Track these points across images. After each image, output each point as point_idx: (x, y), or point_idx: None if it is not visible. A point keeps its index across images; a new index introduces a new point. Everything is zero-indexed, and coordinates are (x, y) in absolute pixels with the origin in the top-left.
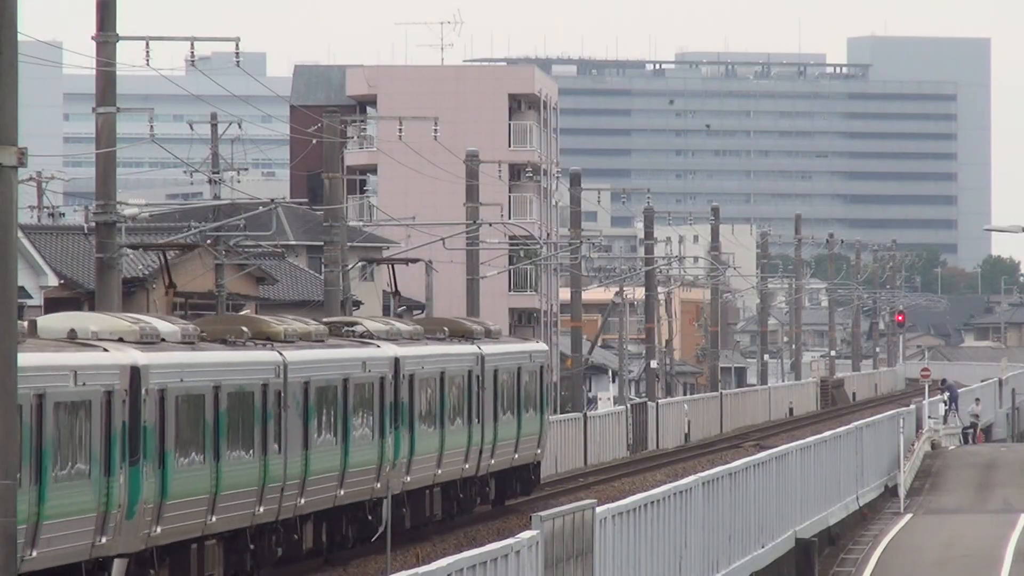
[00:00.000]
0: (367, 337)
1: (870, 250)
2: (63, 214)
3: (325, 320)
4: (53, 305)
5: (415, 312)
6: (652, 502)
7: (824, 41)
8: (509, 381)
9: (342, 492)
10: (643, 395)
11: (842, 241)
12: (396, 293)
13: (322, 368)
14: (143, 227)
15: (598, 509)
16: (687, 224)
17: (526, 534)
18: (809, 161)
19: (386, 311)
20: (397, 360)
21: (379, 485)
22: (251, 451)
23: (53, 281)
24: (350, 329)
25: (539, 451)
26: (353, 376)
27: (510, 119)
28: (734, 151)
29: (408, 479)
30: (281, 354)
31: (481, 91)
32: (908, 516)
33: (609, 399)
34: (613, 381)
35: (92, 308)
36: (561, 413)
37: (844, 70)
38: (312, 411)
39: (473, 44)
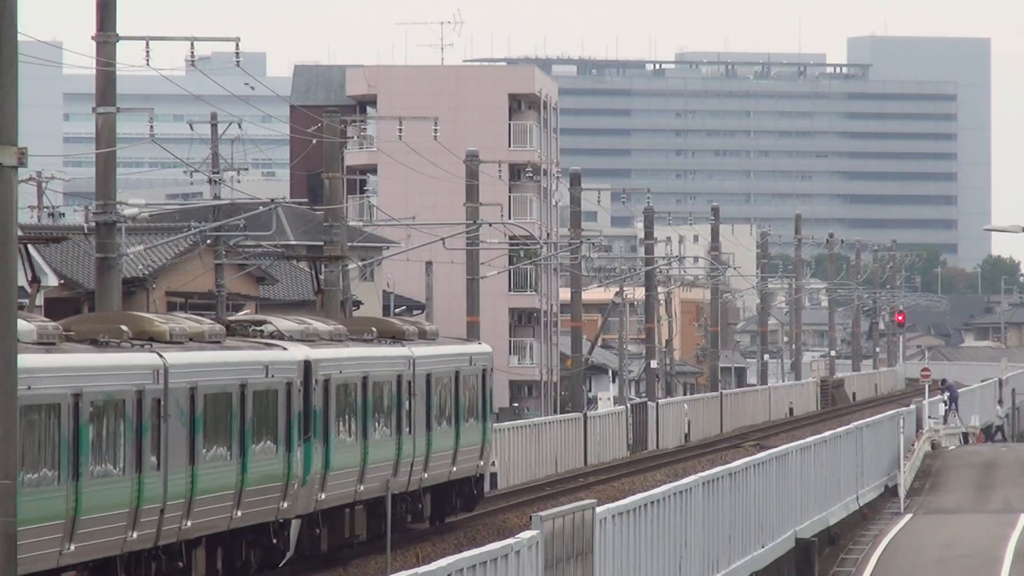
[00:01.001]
0: (276, 337)
1: (870, 250)
2: (63, 214)
3: (230, 318)
4: (53, 305)
5: (415, 312)
6: (652, 502)
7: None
8: (446, 386)
9: (239, 513)
10: (643, 395)
11: (842, 241)
12: (318, 291)
13: (213, 372)
14: (143, 227)
15: (598, 509)
16: (687, 224)
17: (526, 534)
18: (809, 161)
19: (386, 311)
20: (308, 363)
21: (286, 504)
22: (120, 468)
23: (53, 281)
24: (257, 329)
25: (482, 463)
26: (252, 381)
27: (510, 119)
28: (734, 151)
29: (323, 496)
30: (161, 356)
31: (481, 91)
32: (908, 516)
33: (609, 399)
34: (613, 381)
35: (92, 308)
36: (561, 413)
37: (844, 70)
38: (199, 422)
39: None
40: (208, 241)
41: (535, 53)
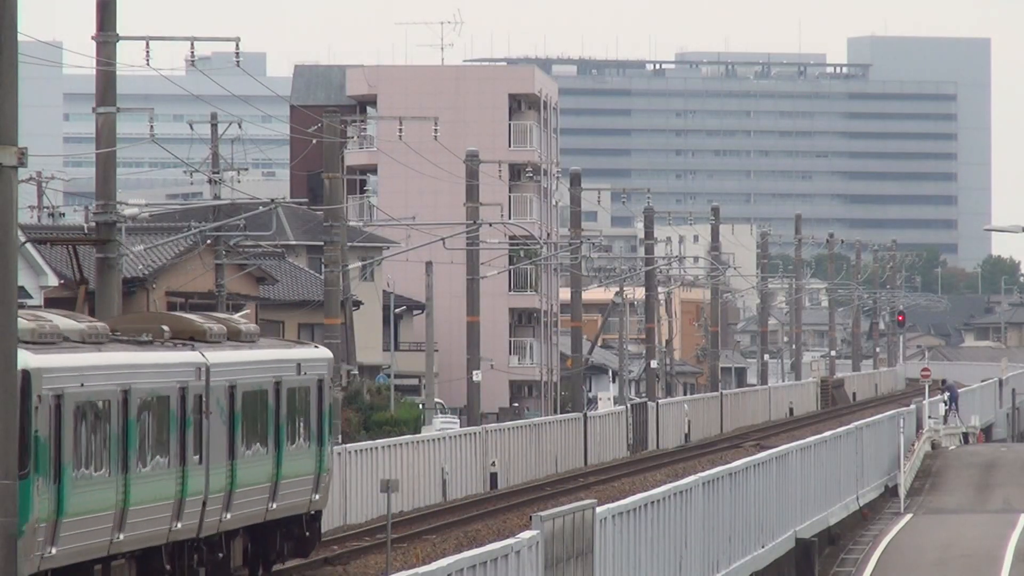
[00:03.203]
0: None
1: (870, 250)
2: (63, 214)
3: None
4: (53, 305)
5: (415, 312)
6: (652, 502)
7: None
8: (260, 402)
9: None
10: (643, 395)
11: (842, 241)
12: (79, 281)
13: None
14: (143, 227)
15: (598, 509)
16: (687, 224)
17: (526, 534)
18: (809, 161)
19: (386, 311)
20: (27, 374)
21: None
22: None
23: (53, 281)
24: None
25: (317, 496)
26: None
27: (510, 119)
28: (734, 151)
29: (53, 551)
30: (204, 355)
31: (481, 91)
32: (908, 516)
33: (609, 399)
34: (613, 381)
35: (92, 309)
36: (561, 413)
37: (844, 70)
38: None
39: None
40: (208, 241)
41: (535, 53)
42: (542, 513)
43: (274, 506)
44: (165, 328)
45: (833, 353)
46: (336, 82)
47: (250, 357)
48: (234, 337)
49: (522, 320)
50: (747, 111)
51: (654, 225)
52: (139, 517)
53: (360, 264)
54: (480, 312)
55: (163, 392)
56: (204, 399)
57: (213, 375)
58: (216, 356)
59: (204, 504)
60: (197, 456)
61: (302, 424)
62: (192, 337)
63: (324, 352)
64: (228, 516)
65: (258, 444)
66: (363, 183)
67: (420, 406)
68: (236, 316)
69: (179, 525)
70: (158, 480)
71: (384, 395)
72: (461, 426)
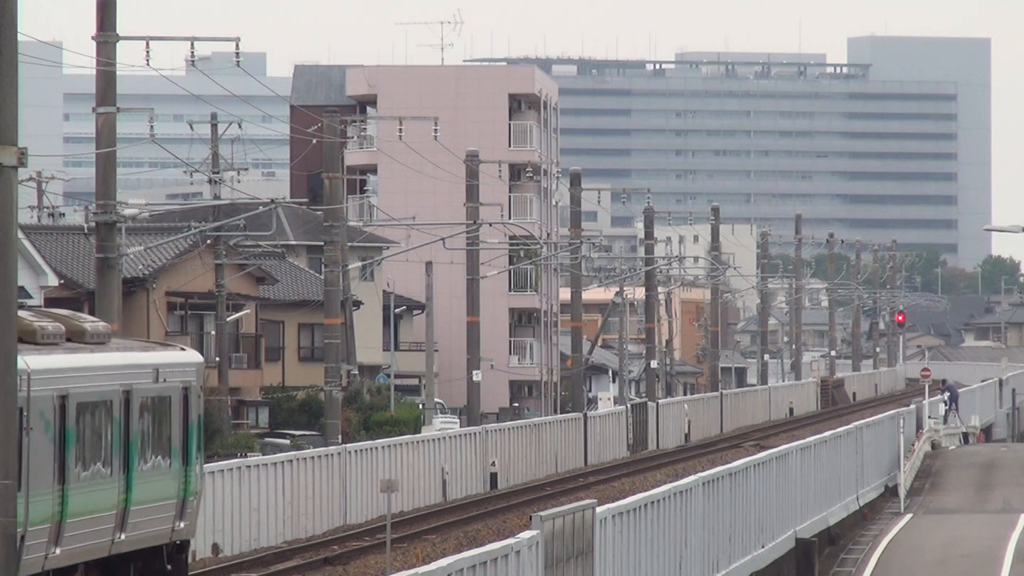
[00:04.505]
0: None
1: (870, 250)
2: (63, 214)
3: None
4: (53, 305)
5: (415, 312)
6: (652, 502)
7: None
8: (103, 415)
9: None
10: (643, 395)
11: (842, 241)
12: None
13: None
14: (143, 227)
15: (598, 509)
16: (687, 224)
17: (526, 534)
18: (809, 161)
19: (386, 311)
20: None
21: None
22: None
23: (53, 281)
24: None
25: (182, 524)
26: None
27: (510, 119)
28: (734, 151)
29: None
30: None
31: (481, 91)
32: (908, 516)
33: (609, 399)
34: (613, 381)
35: (92, 309)
36: (561, 413)
37: (844, 70)
38: None
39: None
40: (208, 241)
41: (535, 53)
42: (542, 513)
43: (122, 537)
44: None
45: (833, 353)
46: (336, 82)
47: (89, 362)
48: (76, 338)
49: (522, 320)
50: (747, 111)
51: (654, 225)
52: None
53: (360, 264)
54: (480, 312)
55: None
56: (24, 413)
57: (36, 384)
58: (42, 361)
59: (23, 538)
60: (17, 481)
61: (161, 440)
62: (20, 339)
63: (192, 356)
64: (57, 551)
65: (99, 465)
66: (363, 183)
67: (420, 406)
68: (85, 314)
69: None
70: None
71: (384, 395)
72: (461, 426)
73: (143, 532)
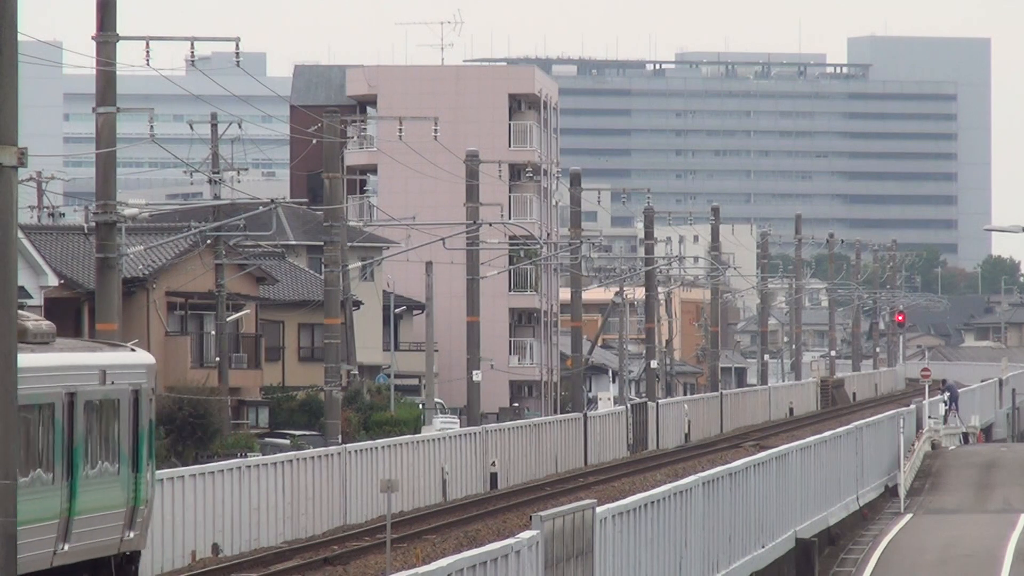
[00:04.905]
0: None
1: (870, 250)
2: (63, 214)
3: None
4: (53, 305)
5: (415, 312)
6: (652, 502)
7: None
8: (41, 419)
9: None
10: (643, 395)
11: (842, 241)
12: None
13: None
14: (143, 227)
15: (598, 509)
16: (687, 224)
17: (526, 534)
18: (809, 161)
19: (386, 311)
20: None
21: None
22: None
23: (53, 281)
24: None
25: (132, 534)
26: None
27: (510, 119)
28: (734, 151)
29: None
30: None
31: (481, 91)
32: (908, 516)
33: (609, 399)
34: (613, 381)
35: (92, 309)
36: (561, 413)
37: (844, 70)
38: None
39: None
40: (208, 241)
41: (535, 53)
42: (542, 513)
43: (65, 548)
44: None
45: (833, 353)
46: (336, 82)
47: (30, 363)
48: (18, 338)
49: (522, 320)
50: (747, 111)
51: (654, 225)
52: None
53: (360, 264)
54: (480, 312)
55: None
56: None
57: None
58: None
59: None
60: None
61: (108, 446)
62: None
63: (143, 357)
64: None
65: (38, 471)
66: (363, 183)
67: (420, 406)
68: (27, 312)
69: None
70: None
71: (384, 395)
72: (461, 426)
73: (88, 543)
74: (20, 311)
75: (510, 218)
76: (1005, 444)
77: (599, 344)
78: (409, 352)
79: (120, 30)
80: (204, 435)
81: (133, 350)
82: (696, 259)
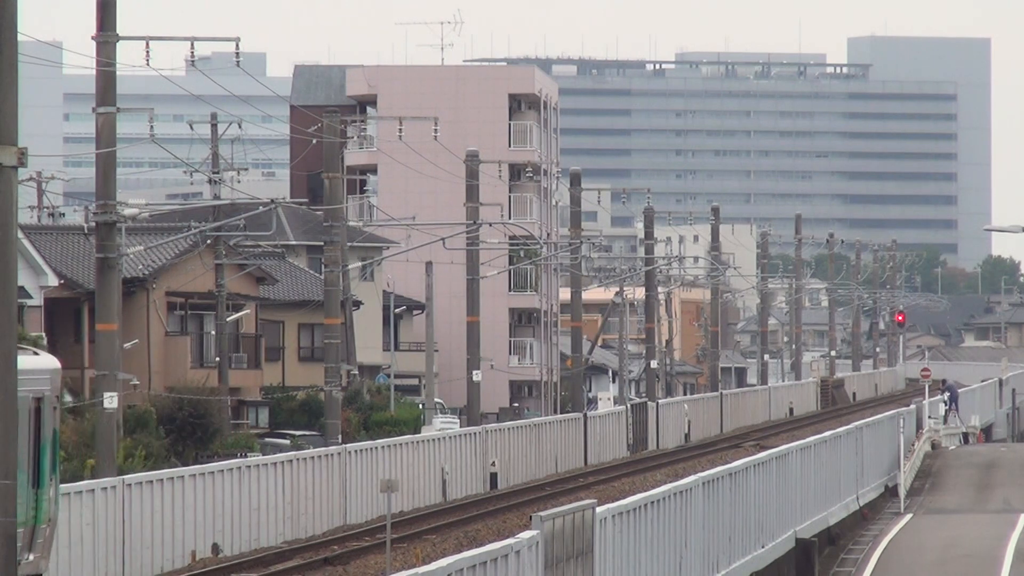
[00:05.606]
0: None
1: (870, 250)
2: (63, 214)
3: None
4: (53, 305)
5: (415, 312)
6: (652, 502)
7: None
8: None
9: None
10: (643, 395)
11: (842, 241)
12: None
13: None
14: (143, 227)
15: (598, 509)
16: (687, 224)
17: (526, 534)
18: (809, 161)
19: (386, 311)
20: None
21: None
22: None
23: (53, 281)
24: None
25: (31, 556)
26: None
27: (510, 119)
28: (734, 151)
29: None
30: None
31: (481, 91)
32: (908, 516)
33: (609, 399)
34: (613, 381)
35: (91, 309)
36: (561, 413)
37: (844, 70)
38: None
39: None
40: (208, 241)
41: (535, 53)
42: (542, 513)
43: None
44: None
45: (833, 353)
46: (336, 82)
47: None
48: None
49: (522, 320)
50: (747, 111)
51: (654, 225)
52: None
53: (360, 264)
54: (480, 312)
55: None
56: None
57: None
58: None
59: None
60: None
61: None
62: None
63: (46, 361)
64: None
65: None
66: (363, 183)
67: (420, 406)
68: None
69: None
70: None
71: (384, 395)
72: (461, 426)
73: None
74: None
75: (510, 218)
76: (1005, 444)
77: (599, 344)
78: (409, 352)
79: (120, 30)
80: (204, 435)
81: (37, 353)
82: (696, 259)
